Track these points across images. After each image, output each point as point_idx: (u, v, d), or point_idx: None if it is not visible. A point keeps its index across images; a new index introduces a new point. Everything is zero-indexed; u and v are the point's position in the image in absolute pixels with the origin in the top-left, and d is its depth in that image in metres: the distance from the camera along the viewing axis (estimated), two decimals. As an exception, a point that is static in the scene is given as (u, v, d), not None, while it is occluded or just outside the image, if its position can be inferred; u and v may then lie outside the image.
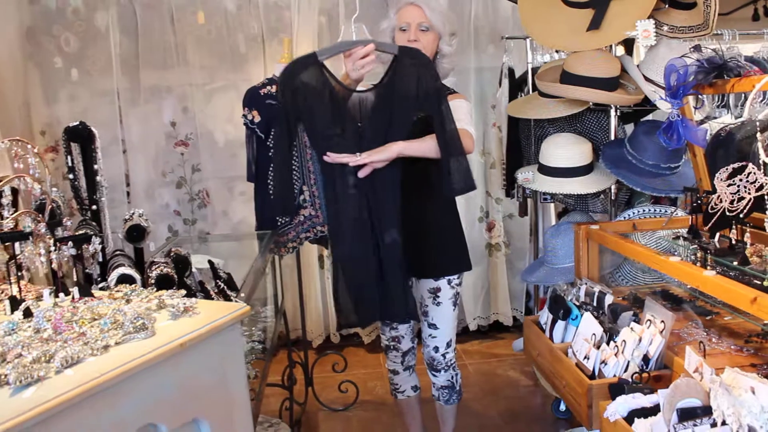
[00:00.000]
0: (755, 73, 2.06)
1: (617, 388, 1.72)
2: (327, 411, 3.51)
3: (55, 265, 1.47)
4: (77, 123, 1.98)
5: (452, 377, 2.64)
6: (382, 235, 2.23)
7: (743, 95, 2.76)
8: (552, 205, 3.77)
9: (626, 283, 2.69)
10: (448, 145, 2.17)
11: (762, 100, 2.06)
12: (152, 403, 1.13)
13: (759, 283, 1.62)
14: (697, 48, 2.24)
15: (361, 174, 2.16)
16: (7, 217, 1.58)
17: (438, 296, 2.51)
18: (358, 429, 3.32)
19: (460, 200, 4.14)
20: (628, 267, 2.69)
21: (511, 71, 3.62)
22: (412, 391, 2.75)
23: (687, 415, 1.42)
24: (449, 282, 2.51)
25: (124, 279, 1.71)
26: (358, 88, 2.20)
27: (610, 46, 2.78)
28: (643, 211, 2.73)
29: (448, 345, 2.58)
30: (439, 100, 2.15)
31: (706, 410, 1.42)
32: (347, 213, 2.25)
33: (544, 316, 2.34)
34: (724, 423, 1.36)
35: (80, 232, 1.69)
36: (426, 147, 2.20)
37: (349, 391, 3.59)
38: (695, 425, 1.38)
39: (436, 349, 2.57)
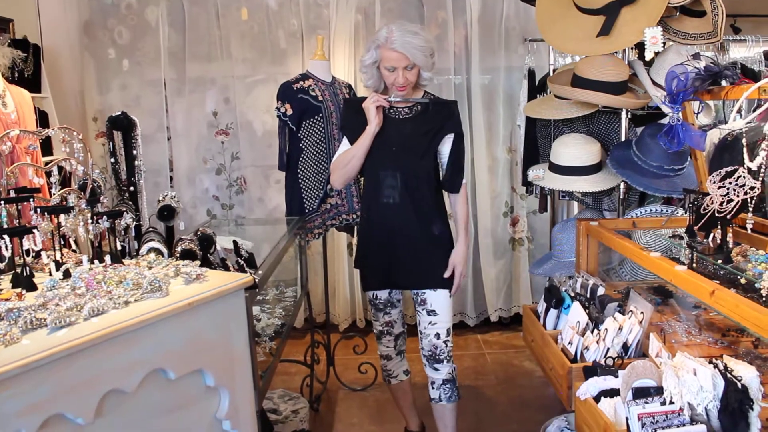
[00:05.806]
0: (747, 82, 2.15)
1: (591, 371, 1.86)
2: (346, 390, 3.70)
3: (92, 236, 1.70)
4: (119, 113, 2.21)
5: (453, 369, 2.60)
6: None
7: (756, 102, 2.84)
8: (576, 203, 3.87)
9: (628, 278, 2.81)
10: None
11: (754, 108, 2.16)
12: (162, 352, 1.35)
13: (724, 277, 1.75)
14: (696, 56, 2.34)
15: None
16: (55, 194, 1.82)
17: None
18: (373, 408, 3.50)
19: (485, 194, 4.38)
20: (630, 262, 2.79)
21: (531, 73, 3.74)
22: (404, 375, 2.84)
23: (640, 393, 1.56)
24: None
25: (153, 252, 1.93)
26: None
27: (624, 50, 2.87)
28: (650, 210, 2.83)
29: (449, 333, 2.56)
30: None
31: (659, 390, 1.56)
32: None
33: (542, 305, 2.49)
34: (672, 401, 1.50)
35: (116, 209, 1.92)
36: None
37: (368, 373, 3.78)
38: (647, 402, 1.52)
39: (438, 336, 2.53)
